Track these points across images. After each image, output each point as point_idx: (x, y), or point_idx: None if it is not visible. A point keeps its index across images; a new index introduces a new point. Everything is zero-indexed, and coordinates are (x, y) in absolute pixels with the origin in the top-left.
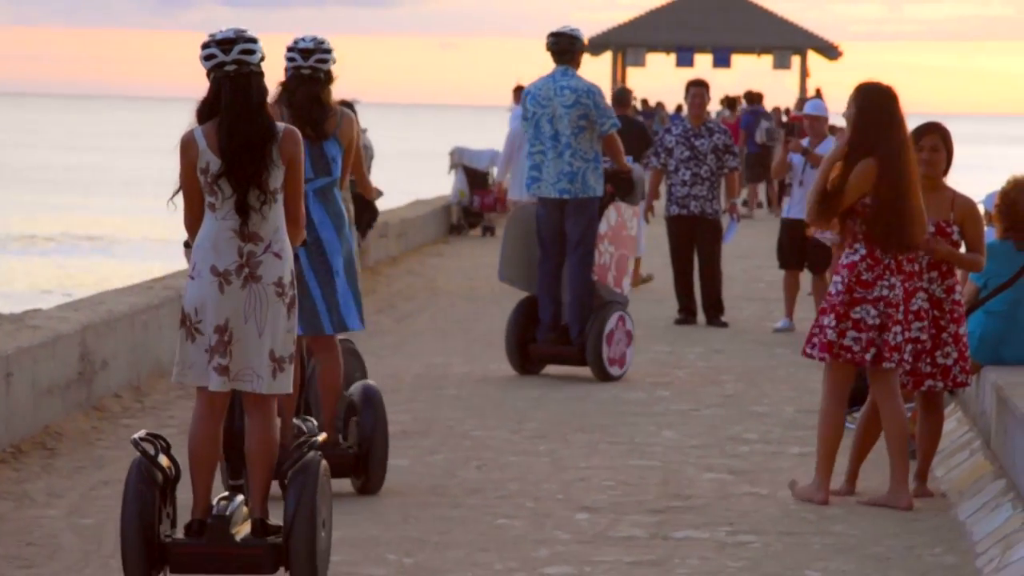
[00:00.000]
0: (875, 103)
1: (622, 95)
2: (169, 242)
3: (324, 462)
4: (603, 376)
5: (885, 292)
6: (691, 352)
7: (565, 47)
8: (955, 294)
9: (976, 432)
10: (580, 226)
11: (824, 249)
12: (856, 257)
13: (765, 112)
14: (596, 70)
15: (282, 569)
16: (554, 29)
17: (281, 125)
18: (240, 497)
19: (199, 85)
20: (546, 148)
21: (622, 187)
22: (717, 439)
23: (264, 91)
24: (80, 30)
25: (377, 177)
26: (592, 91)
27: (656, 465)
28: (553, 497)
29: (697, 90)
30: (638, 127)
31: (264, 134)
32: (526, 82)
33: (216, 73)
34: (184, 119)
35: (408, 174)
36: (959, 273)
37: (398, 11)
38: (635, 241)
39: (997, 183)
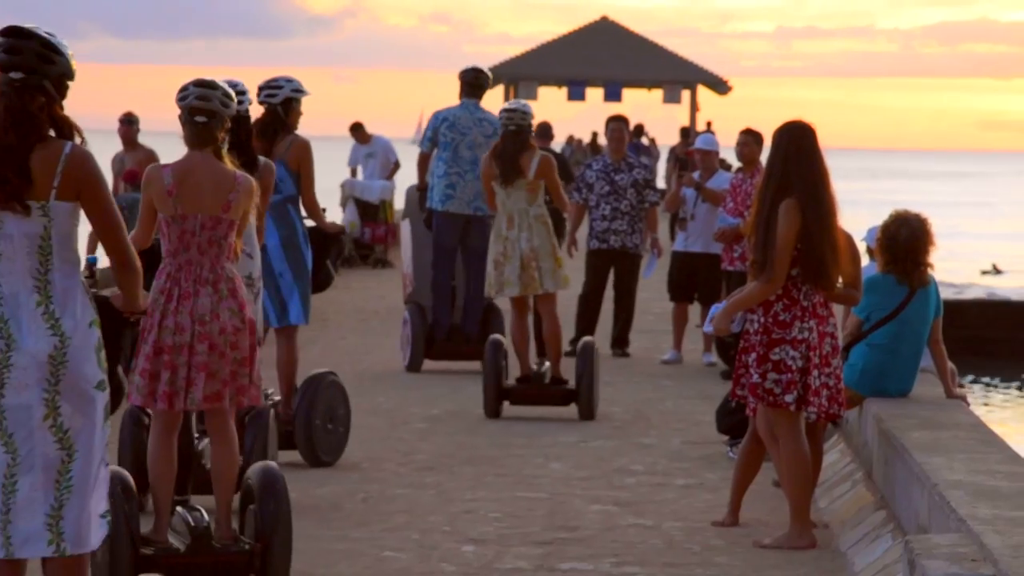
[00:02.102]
0: (790, 141)
1: (544, 129)
2: None
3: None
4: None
5: (805, 334)
6: None
7: (483, 83)
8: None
9: (858, 463)
10: (485, 240)
11: (715, 282)
12: (771, 297)
13: (644, 146)
14: (488, 104)
15: None
16: (471, 66)
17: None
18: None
19: (89, 115)
20: (464, 170)
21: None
22: (604, 471)
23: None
24: None
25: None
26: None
27: (543, 497)
28: (439, 529)
29: (616, 125)
30: (560, 159)
31: None
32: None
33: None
34: None
35: None
36: (840, 307)
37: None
38: None
39: (880, 218)
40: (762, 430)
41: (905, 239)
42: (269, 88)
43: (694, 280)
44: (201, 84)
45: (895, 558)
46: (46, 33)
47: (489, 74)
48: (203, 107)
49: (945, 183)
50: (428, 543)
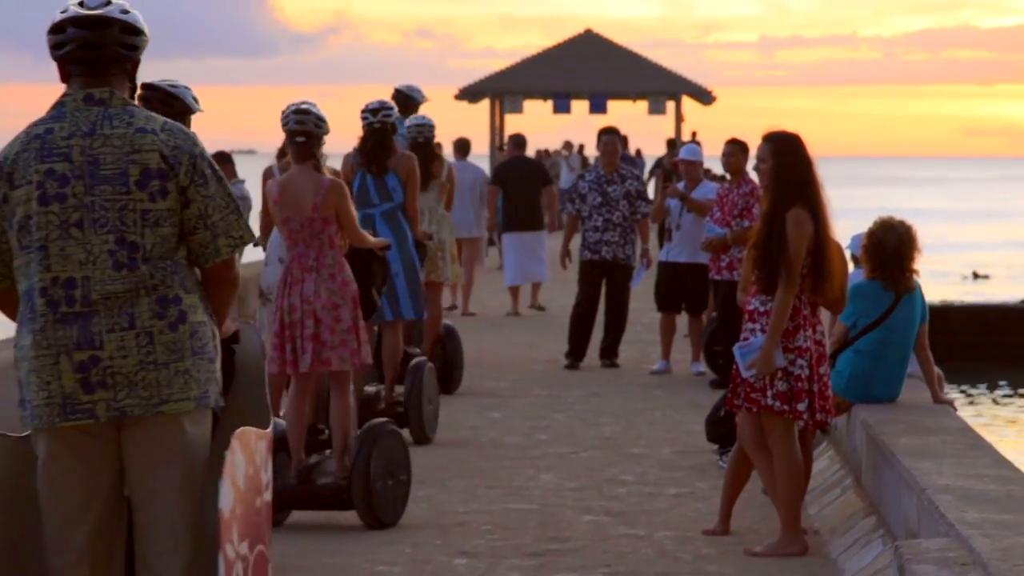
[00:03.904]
0: (792, 151)
1: (519, 139)
2: None
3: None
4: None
5: (809, 343)
6: (570, 395)
7: (400, 102)
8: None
9: (847, 470)
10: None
11: (703, 292)
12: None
13: (630, 157)
14: (474, 118)
15: None
16: (398, 85)
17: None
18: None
19: None
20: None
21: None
22: (595, 481)
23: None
24: None
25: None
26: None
27: (534, 508)
28: (432, 543)
29: (609, 138)
30: (538, 166)
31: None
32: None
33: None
34: None
35: None
36: (828, 314)
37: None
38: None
39: (864, 225)
40: (746, 439)
41: (891, 246)
42: (385, 110)
43: (682, 290)
44: (298, 111)
45: (885, 563)
46: (169, 85)
47: (406, 93)
48: (300, 129)
49: (929, 189)
50: (420, 557)
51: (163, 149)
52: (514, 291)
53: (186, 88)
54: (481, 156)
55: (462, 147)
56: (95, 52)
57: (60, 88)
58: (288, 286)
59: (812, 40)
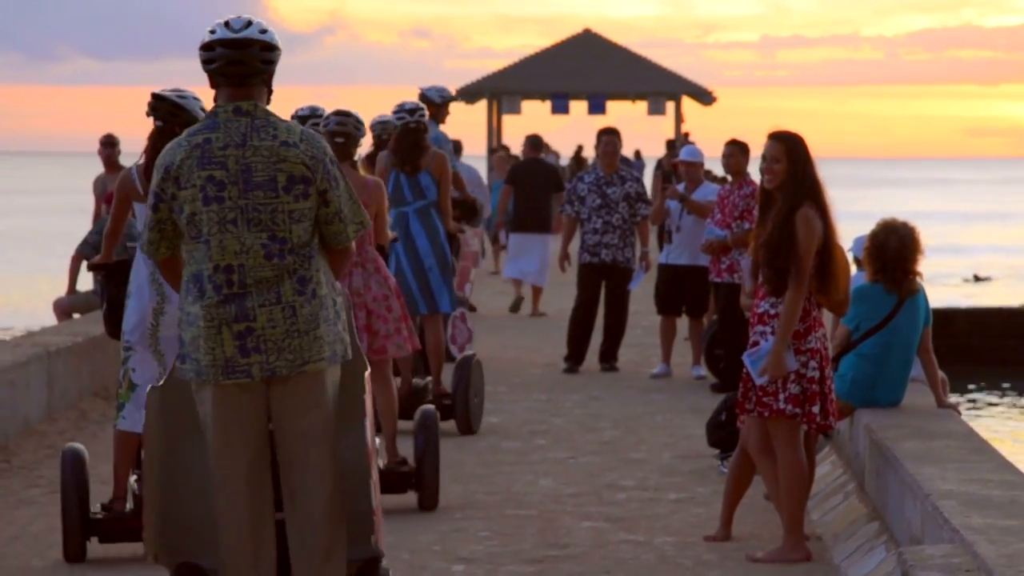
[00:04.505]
0: (801, 150)
1: (535, 140)
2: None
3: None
4: (447, 356)
5: (819, 345)
6: (569, 399)
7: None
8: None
9: (850, 475)
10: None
11: (703, 295)
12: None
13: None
14: (472, 119)
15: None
16: (423, 86)
17: None
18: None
19: (69, 138)
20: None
21: (467, 212)
22: (594, 487)
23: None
24: None
25: None
26: (442, 139)
27: (533, 514)
28: (429, 549)
29: (608, 138)
30: (551, 168)
31: None
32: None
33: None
34: (59, 173)
35: None
36: (830, 317)
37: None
38: (476, 255)
39: (865, 228)
40: (751, 443)
41: (893, 248)
42: (420, 110)
43: (682, 293)
44: (338, 113)
45: (889, 570)
46: (177, 96)
47: (428, 96)
48: (340, 130)
49: (932, 190)
50: (418, 563)
51: (304, 159)
52: (516, 282)
53: (195, 99)
54: (478, 157)
55: (454, 148)
56: (240, 68)
57: (49, 89)
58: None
59: (813, 40)
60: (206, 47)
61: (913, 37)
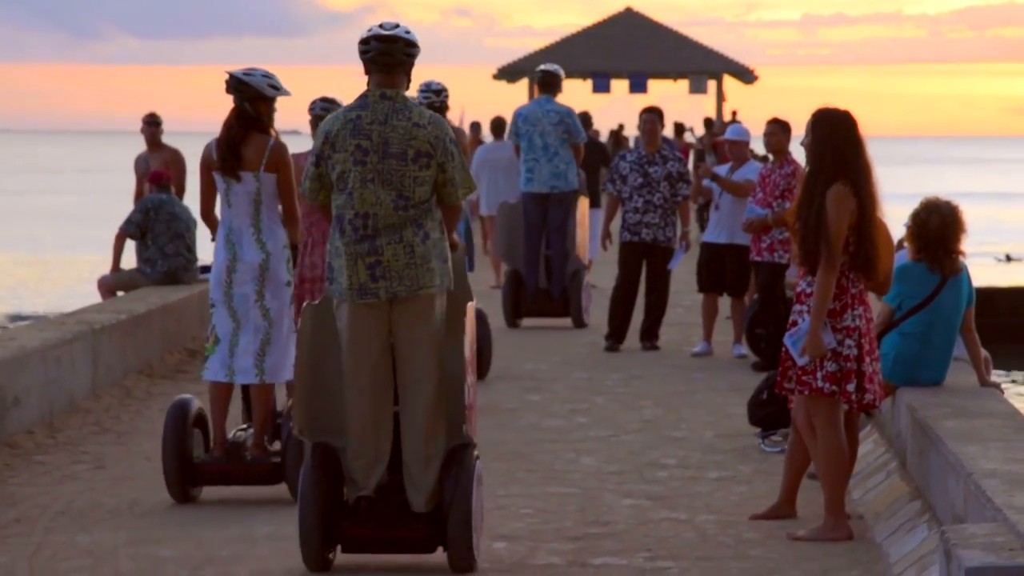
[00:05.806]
0: (832, 129)
1: (585, 119)
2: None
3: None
4: (581, 323)
5: (858, 322)
6: (610, 378)
7: (549, 80)
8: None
9: (892, 454)
10: (562, 213)
11: (742, 273)
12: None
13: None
14: (513, 97)
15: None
16: (541, 66)
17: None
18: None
19: (112, 116)
20: (539, 156)
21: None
22: (635, 465)
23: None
24: None
25: None
26: (571, 113)
27: (574, 492)
28: None
29: (649, 116)
30: (599, 147)
31: None
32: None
33: None
34: (102, 152)
35: None
36: (872, 295)
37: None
38: (587, 226)
39: (909, 206)
40: (800, 421)
41: (936, 227)
42: (445, 91)
43: (722, 270)
44: (324, 99)
45: (931, 549)
46: (244, 73)
47: (557, 73)
48: (325, 116)
49: (974, 169)
50: None
51: (429, 138)
52: None
53: (263, 76)
54: None
55: (498, 126)
56: (388, 59)
57: (94, 68)
58: (310, 247)
59: (855, 18)
60: (363, 41)
61: (956, 15)
